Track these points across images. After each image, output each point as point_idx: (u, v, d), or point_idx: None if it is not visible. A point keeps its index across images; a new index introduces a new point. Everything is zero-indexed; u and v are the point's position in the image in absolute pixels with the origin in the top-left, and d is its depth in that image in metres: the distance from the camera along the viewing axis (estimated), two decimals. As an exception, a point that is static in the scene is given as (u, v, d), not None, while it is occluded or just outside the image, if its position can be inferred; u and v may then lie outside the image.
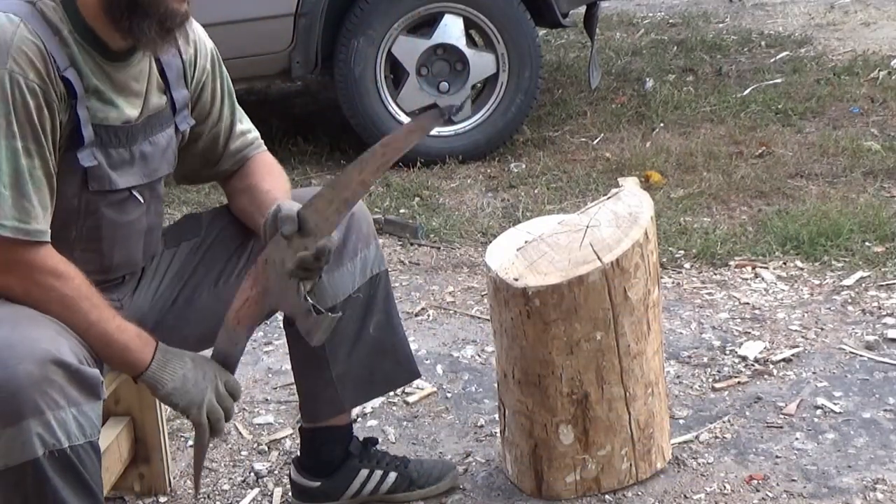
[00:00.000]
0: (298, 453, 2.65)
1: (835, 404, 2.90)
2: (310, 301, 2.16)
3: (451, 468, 2.67)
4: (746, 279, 3.70)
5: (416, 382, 3.14)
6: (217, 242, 2.42)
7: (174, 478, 2.76)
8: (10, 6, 2.00)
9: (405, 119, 5.03)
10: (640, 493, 2.58)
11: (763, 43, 6.84)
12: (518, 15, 5.02)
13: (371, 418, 3.00)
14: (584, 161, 4.93)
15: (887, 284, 3.57)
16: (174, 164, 2.30)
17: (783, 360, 3.15)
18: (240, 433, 2.98)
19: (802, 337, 3.28)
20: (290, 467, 2.64)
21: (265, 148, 2.46)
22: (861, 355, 3.15)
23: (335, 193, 2.08)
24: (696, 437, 2.79)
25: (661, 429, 2.62)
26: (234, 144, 2.40)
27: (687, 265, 3.84)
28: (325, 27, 4.88)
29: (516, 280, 2.45)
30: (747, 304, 3.51)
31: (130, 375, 2.14)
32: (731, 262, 3.82)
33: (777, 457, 2.69)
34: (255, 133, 2.45)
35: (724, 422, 2.85)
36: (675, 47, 6.80)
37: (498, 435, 2.75)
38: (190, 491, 2.73)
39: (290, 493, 2.65)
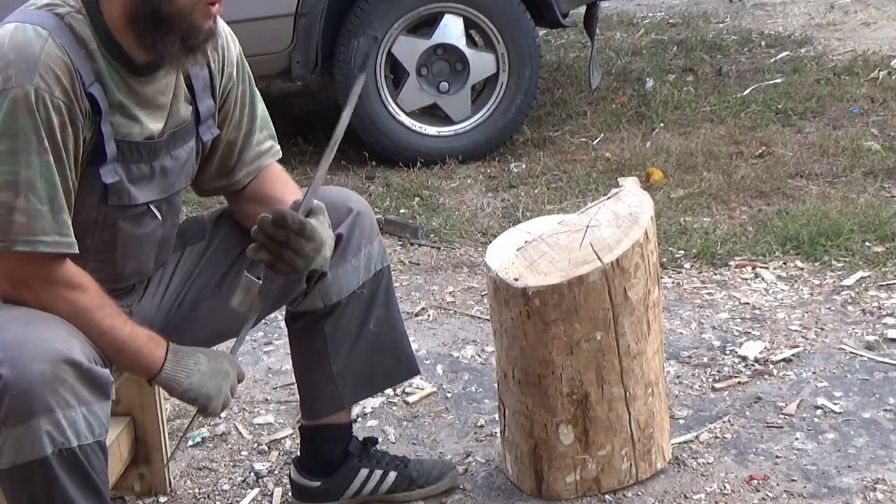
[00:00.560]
0: (298, 453, 2.65)
1: (835, 404, 2.90)
2: (245, 272, 2.18)
3: (450, 468, 2.67)
4: (746, 279, 3.70)
5: (416, 382, 3.15)
6: (220, 246, 2.41)
7: (174, 478, 2.76)
8: (39, 19, 2.00)
9: (405, 119, 5.03)
10: (640, 493, 2.58)
11: (763, 43, 6.84)
12: (518, 15, 5.02)
13: (371, 418, 3.00)
14: (584, 161, 4.93)
15: (887, 284, 3.57)
16: (192, 176, 2.29)
17: (783, 360, 3.15)
18: (240, 433, 2.98)
19: (802, 337, 3.28)
20: (290, 467, 2.65)
21: (279, 157, 2.41)
22: (861, 355, 3.15)
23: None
24: (696, 437, 2.79)
25: (661, 429, 2.62)
26: (250, 154, 2.35)
27: (687, 265, 3.84)
28: (325, 27, 4.88)
29: (516, 280, 2.45)
30: (747, 304, 3.51)
31: (145, 379, 2.16)
32: (731, 262, 3.82)
33: (777, 457, 2.69)
34: (271, 144, 2.39)
35: (724, 422, 2.85)
36: (675, 47, 6.80)
37: (498, 435, 2.75)
38: (190, 491, 2.73)
39: (290, 493, 2.66)
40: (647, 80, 6.01)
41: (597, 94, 5.79)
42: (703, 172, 4.64)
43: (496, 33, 5.01)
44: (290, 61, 4.90)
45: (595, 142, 5.18)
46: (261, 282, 2.18)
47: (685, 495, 2.57)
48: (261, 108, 2.37)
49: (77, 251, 2.03)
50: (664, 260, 3.83)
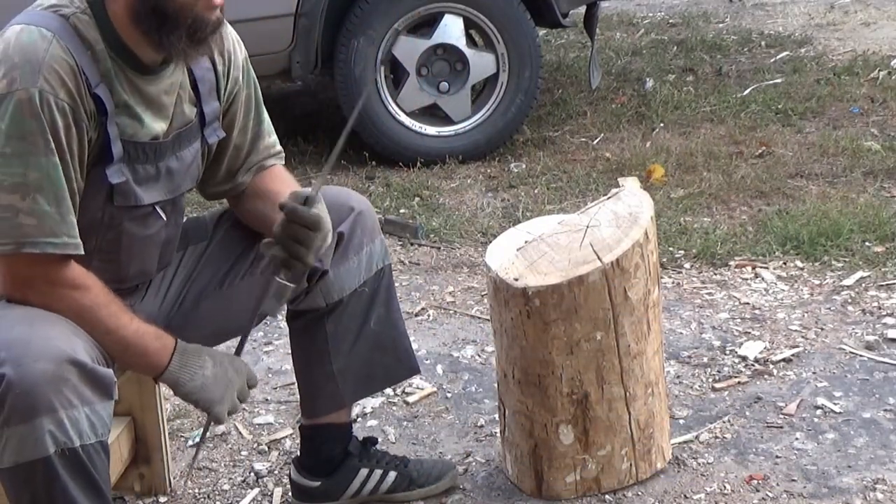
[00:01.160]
0: (298, 453, 2.65)
1: (835, 404, 2.90)
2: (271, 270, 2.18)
3: (450, 467, 2.67)
4: (746, 279, 3.70)
5: (416, 382, 3.15)
6: (221, 245, 2.42)
7: (174, 478, 2.76)
8: (45, 20, 2.00)
9: (405, 119, 5.03)
10: (640, 493, 2.58)
11: (763, 43, 6.84)
12: (518, 15, 5.02)
13: (371, 418, 3.00)
14: (584, 161, 4.93)
15: (887, 284, 3.57)
16: (198, 178, 2.30)
17: (783, 360, 3.15)
18: (240, 433, 2.98)
19: (802, 337, 3.28)
20: (290, 467, 2.65)
21: (283, 162, 2.43)
22: (861, 355, 3.15)
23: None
24: (696, 437, 2.79)
25: (661, 429, 2.62)
26: (255, 157, 2.37)
27: (687, 265, 3.84)
28: (325, 27, 4.88)
29: (516, 280, 2.45)
30: (747, 304, 3.51)
31: (150, 377, 2.16)
32: (731, 262, 3.82)
33: (777, 457, 2.69)
34: (279, 149, 2.42)
35: (724, 422, 2.86)
36: (675, 47, 6.80)
37: (498, 435, 2.75)
38: (190, 491, 2.73)
39: (290, 493, 2.66)
40: (647, 80, 6.01)
41: (597, 94, 5.79)
42: (703, 172, 4.64)
43: (496, 33, 5.01)
44: (290, 61, 4.90)
45: (595, 142, 5.18)
46: (293, 285, 2.19)
47: (685, 495, 2.57)
48: (265, 112, 2.39)
49: (83, 252, 2.03)
50: (664, 260, 3.83)
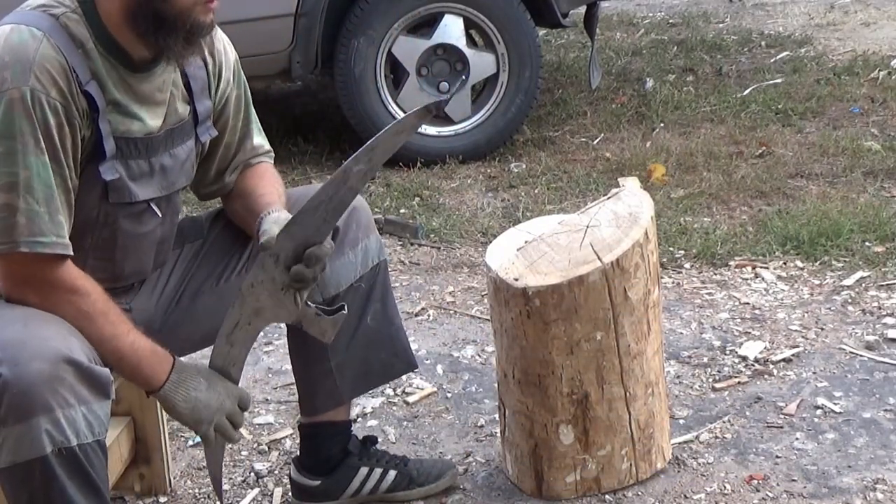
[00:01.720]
0: (298, 453, 2.65)
1: (835, 404, 2.90)
2: (312, 306, 2.17)
3: (450, 466, 2.67)
4: (746, 279, 3.70)
5: (416, 382, 3.15)
6: (217, 242, 2.43)
7: (174, 478, 2.76)
8: (34, 20, 2.00)
9: (405, 119, 5.02)
10: (640, 493, 2.58)
11: (763, 43, 6.84)
12: (518, 15, 5.02)
13: (371, 418, 3.00)
14: (584, 161, 4.93)
15: (887, 284, 3.57)
16: (192, 176, 2.31)
17: (783, 360, 3.15)
18: (240, 433, 2.98)
19: (802, 337, 3.28)
20: (290, 467, 2.65)
21: (271, 160, 2.45)
22: (861, 355, 3.15)
23: (320, 203, 2.09)
24: (696, 437, 2.79)
25: (661, 429, 2.62)
26: (243, 157, 2.39)
27: (687, 265, 3.84)
28: (325, 27, 4.88)
29: (516, 280, 2.45)
30: (747, 304, 3.52)
31: (143, 389, 2.17)
32: (731, 262, 3.82)
33: (777, 457, 2.69)
34: (267, 148, 2.44)
35: (724, 422, 2.85)
36: (675, 47, 6.79)
37: (498, 435, 2.75)
38: (190, 491, 2.73)
39: (290, 494, 2.66)
40: (647, 80, 6.01)
41: (597, 94, 5.79)
42: (703, 172, 4.64)
43: (496, 33, 5.01)
44: (290, 61, 4.90)
45: (595, 142, 5.18)
46: (345, 309, 2.22)
47: (685, 495, 2.57)
48: (254, 113, 2.41)
49: (72, 253, 2.03)
50: (664, 260, 3.83)
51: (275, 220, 2.17)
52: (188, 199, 4.65)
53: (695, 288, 3.67)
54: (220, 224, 2.45)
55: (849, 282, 3.61)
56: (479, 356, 3.32)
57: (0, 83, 1.94)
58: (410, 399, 3.09)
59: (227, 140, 2.35)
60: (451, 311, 3.63)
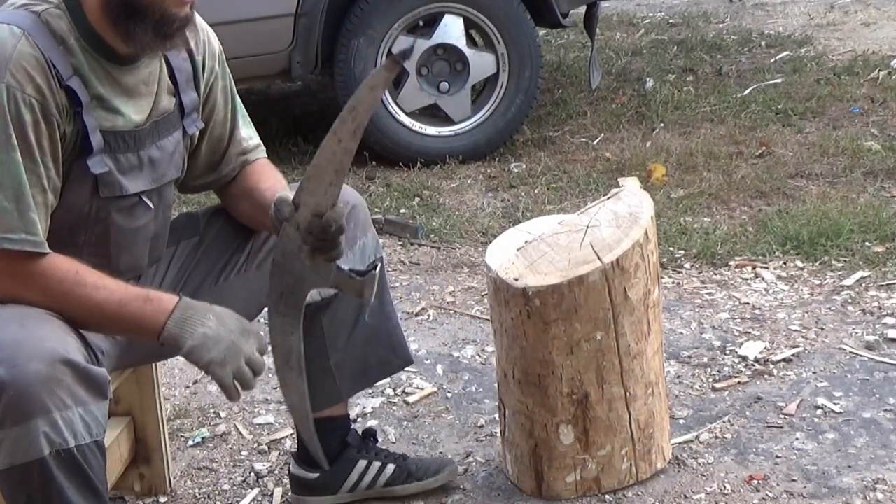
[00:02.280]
0: (296, 448, 2.66)
1: (835, 404, 2.90)
2: (346, 268, 2.15)
3: (449, 462, 2.68)
4: (746, 279, 3.70)
5: (416, 382, 3.15)
6: (215, 241, 2.42)
7: (174, 478, 2.76)
8: (15, 17, 2.01)
9: (405, 119, 5.03)
10: (640, 493, 2.58)
11: (763, 43, 6.84)
12: (518, 15, 5.02)
13: (371, 418, 3.00)
14: (584, 161, 4.93)
15: (887, 284, 3.57)
16: (182, 168, 2.30)
17: (783, 360, 3.15)
18: (240, 433, 2.98)
19: (802, 337, 3.28)
20: (290, 462, 2.65)
21: (265, 155, 2.45)
22: (861, 355, 3.15)
23: (322, 168, 2.07)
24: (696, 437, 2.79)
25: (661, 429, 2.62)
26: (236, 149, 2.39)
27: (687, 265, 3.84)
28: (325, 27, 4.88)
29: (516, 280, 2.45)
30: (747, 304, 3.52)
31: (156, 341, 2.07)
32: (732, 262, 3.82)
33: (777, 457, 2.69)
34: (257, 140, 2.44)
35: (724, 422, 2.86)
36: (675, 47, 6.80)
37: (498, 435, 2.75)
38: (190, 491, 2.73)
39: (290, 494, 2.66)
40: (647, 80, 6.01)
41: (597, 94, 5.79)
42: (703, 172, 4.64)
43: (496, 33, 5.01)
44: (290, 61, 4.90)
45: (595, 142, 5.18)
46: (378, 266, 2.21)
47: (685, 495, 2.57)
48: (241, 105, 2.41)
49: (45, 250, 2.01)
50: (664, 260, 3.83)
51: (284, 196, 2.15)
52: (188, 198, 4.65)
53: (695, 288, 3.67)
54: (218, 222, 2.44)
55: (849, 282, 3.61)
56: (479, 356, 3.32)
57: None
58: (410, 399, 3.09)
59: (218, 132, 2.35)
60: (451, 311, 3.63)
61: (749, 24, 7.40)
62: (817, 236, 3.88)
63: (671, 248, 3.94)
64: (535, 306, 2.43)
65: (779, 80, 5.89)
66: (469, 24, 5.04)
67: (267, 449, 2.90)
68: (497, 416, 2.75)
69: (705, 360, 3.19)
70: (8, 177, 1.96)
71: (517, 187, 4.70)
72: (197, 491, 2.74)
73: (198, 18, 2.25)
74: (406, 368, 3.19)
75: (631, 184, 2.76)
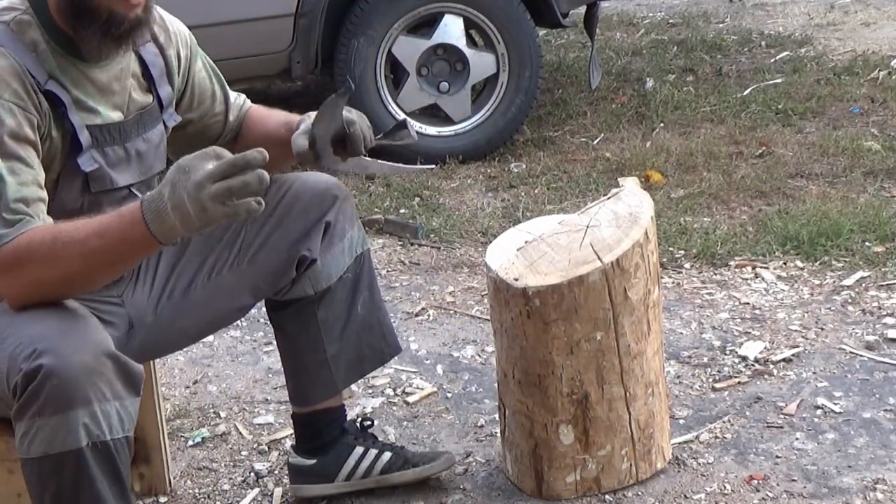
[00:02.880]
0: (294, 441, 2.66)
1: (835, 404, 2.90)
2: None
3: (445, 451, 2.68)
4: (746, 279, 3.70)
5: (416, 382, 3.16)
6: (206, 235, 2.42)
7: (174, 478, 2.76)
8: None
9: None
10: (640, 493, 2.58)
11: (763, 43, 6.84)
12: (518, 15, 5.02)
13: (371, 418, 2.99)
14: (584, 161, 4.93)
15: (887, 284, 3.57)
16: (165, 161, 2.32)
17: (783, 360, 3.15)
18: (240, 433, 2.98)
19: (802, 337, 3.28)
20: (288, 455, 2.66)
21: (250, 101, 2.56)
22: (861, 355, 3.15)
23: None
24: (696, 437, 2.79)
25: (661, 429, 2.62)
26: (235, 115, 2.49)
27: (687, 265, 3.84)
28: (325, 27, 4.88)
29: (516, 280, 2.45)
30: (747, 304, 3.51)
31: (153, 242, 1.95)
32: (731, 262, 3.82)
33: (777, 457, 2.69)
34: (243, 96, 2.54)
35: (724, 422, 2.85)
36: (675, 47, 6.79)
37: (498, 435, 2.75)
38: (190, 491, 2.73)
39: (290, 494, 2.66)
40: (647, 80, 6.00)
41: (597, 94, 5.79)
42: (703, 172, 4.64)
43: (496, 33, 5.01)
44: (290, 61, 4.90)
45: (595, 142, 5.18)
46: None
47: (685, 495, 2.57)
48: (221, 75, 2.48)
49: (21, 231, 1.96)
50: (664, 260, 3.83)
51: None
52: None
53: (695, 288, 3.67)
54: None
55: (849, 282, 3.61)
56: (479, 356, 3.32)
57: None
58: (410, 399, 3.09)
59: (212, 111, 2.43)
60: (451, 311, 3.63)
61: (749, 24, 7.40)
62: (817, 236, 3.88)
63: (671, 248, 3.94)
64: (535, 306, 2.43)
65: (779, 80, 5.89)
66: (469, 24, 5.04)
67: (267, 449, 2.90)
68: (497, 416, 2.75)
69: (705, 360, 3.19)
70: None
71: (517, 187, 4.70)
72: (197, 491, 2.74)
73: (162, 13, 2.28)
74: (406, 369, 3.22)
75: (631, 184, 2.76)
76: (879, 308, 3.42)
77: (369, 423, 2.68)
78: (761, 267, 3.77)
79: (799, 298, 3.53)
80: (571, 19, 5.42)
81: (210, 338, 3.23)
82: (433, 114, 5.10)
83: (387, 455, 2.61)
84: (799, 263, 3.78)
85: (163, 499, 2.70)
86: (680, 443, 2.77)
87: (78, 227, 1.96)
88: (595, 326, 2.45)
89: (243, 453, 2.89)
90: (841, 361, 3.12)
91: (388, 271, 3.96)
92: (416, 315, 3.62)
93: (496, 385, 2.69)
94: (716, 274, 3.76)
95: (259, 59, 4.89)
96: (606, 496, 2.57)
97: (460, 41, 5.01)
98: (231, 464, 2.85)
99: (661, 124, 5.32)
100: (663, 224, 4.07)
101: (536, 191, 4.63)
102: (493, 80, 5.09)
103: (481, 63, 5.05)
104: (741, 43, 6.85)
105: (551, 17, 5.15)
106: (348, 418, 2.66)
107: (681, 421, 2.87)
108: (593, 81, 5.36)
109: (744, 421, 2.86)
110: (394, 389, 3.14)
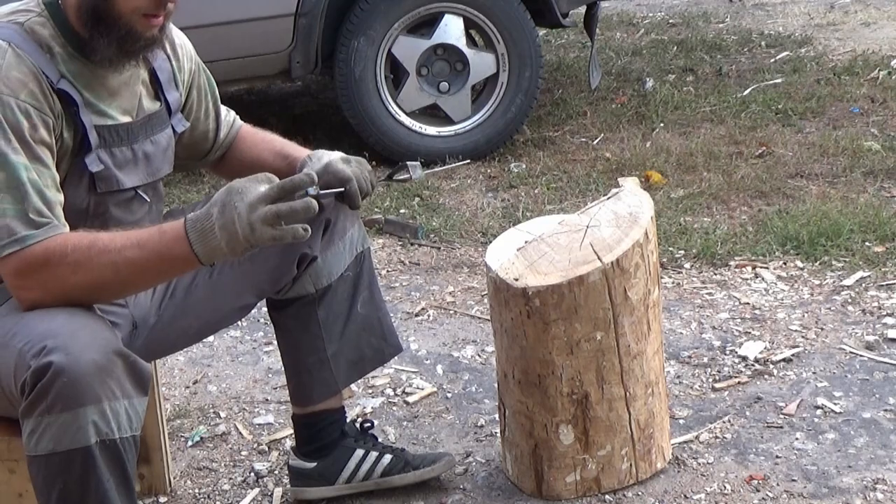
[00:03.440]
0: (294, 443, 2.66)
1: (835, 404, 2.90)
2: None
3: (446, 454, 2.68)
4: (746, 279, 3.70)
5: (416, 382, 3.15)
6: None
7: (174, 478, 2.76)
8: (0, 31, 2.04)
9: (405, 119, 5.03)
10: (640, 493, 2.58)
11: (763, 43, 6.84)
12: (518, 15, 5.02)
13: (371, 418, 3.00)
14: (584, 161, 4.93)
15: (887, 284, 3.57)
16: (173, 164, 2.34)
17: (783, 360, 3.15)
18: (240, 433, 2.98)
19: (802, 337, 3.28)
20: (288, 456, 2.66)
21: (241, 121, 2.55)
22: (861, 355, 3.15)
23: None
24: (696, 437, 2.79)
25: (661, 429, 2.62)
26: (225, 132, 2.48)
27: (687, 265, 3.84)
28: (325, 27, 4.88)
29: (516, 280, 2.45)
30: (747, 304, 3.51)
31: (193, 268, 2.02)
32: (731, 262, 3.82)
33: (777, 457, 2.69)
34: (233, 113, 2.53)
35: (724, 422, 2.86)
36: (675, 47, 6.79)
37: (498, 435, 2.75)
38: (190, 491, 2.73)
39: (290, 494, 2.66)
40: (647, 80, 6.01)
41: (597, 94, 5.79)
42: (703, 172, 4.64)
43: (496, 33, 5.01)
44: (290, 61, 4.90)
45: (595, 142, 5.18)
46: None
47: (685, 495, 2.57)
48: (215, 87, 2.48)
49: (54, 234, 1.97)
50: (664, 260, 3.83)
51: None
52: (189, 199, 4.65)
53: (695, 288, 3.67)
54: None
55: (849, 282, 3.61)
56: (479, 356, 3.32)
57: None
58: (410, 399, 3.09)
59: (203, 126, 2.42)
60: (451, 311, 3.63)
61: (749, 24, 7.40)
62: (817, 236, 3.88)
63: (671, 248, 3.94)
64: (535, 306, 2.43)
65: (779, 80, 5.89)
66: (469, 24, 5.04)
67: (267, 449, 2.90)
68: (497, 416, 2.75)
69: (705, 360, 3.19)
70: (8, 182, 1.96)
71: (517, 187, 4.70)
72: (197, 491, 2.74)
73: (170, 27, 2.28)
74: (406, 369, 3.22)
75: (631, 184, 2.76)
76: (879, 308, 3.42)
77: (369, 424, 2.68)
78: (761, 267, 3.77)
79: (799, 298, 3.53)
80: (571, 19, 5.42)
81: (210, 338, 3.23)
82: (433, 114, 5.11)
83: (387, 458, 2.61)
84: (799, 263, 3.78)
85: (163, 499, 2.70)
86: (680, 443, 2.77)
87: (115, 237, 1.99)
88: (595, 326, 2.45)
89: (243, 453, 2.89)
90: (841, 361, 3.12)
91: (388, 271, 3.96)
92: (416, 315, 3.62)
93: (496, 385, 2.69)
94: (716, 274, 3.76)
95: (259, 59, 4.89)
96: (606, 496, 2.57)
97: (460, 41, 5.01)
98: (231, 464, 2.85)
99: (661, 124, 5.33)
100: (663, 224, 4.08)
101: (536, 191, 4.63)
102: (493, 80, 5.09)
103: (481, 63, 5.05)
104: (741, 43, 6.85)
105: (551, 17, 5.16)
106: (348, 419, 2.66)
107: (681, 421, 2.87)
108: (593, 81, 5.36)
109: (744, 421, 2.86)
110: (394, 389, 3.14)
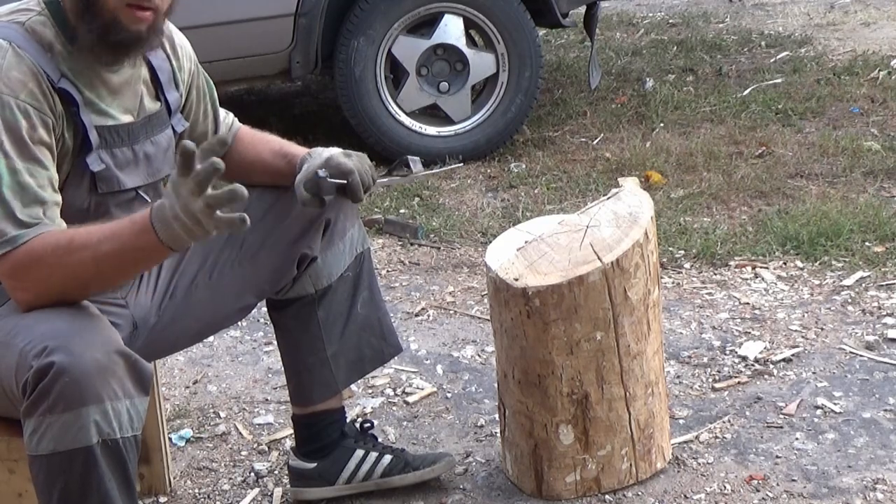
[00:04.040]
0: (294, 443, 2.66)
1: (835, 404, 2.90)
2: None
3: (446, 454, 2.68)
4: (746, 279, 3.70)
5: (416, 382, 3.15)
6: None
7: (174, 478, 2.76)
8: (1, 30, 2.04)
9: (405, 119, 5.03)
10: (640, 493, 2.58)
11: (763, 43, 6.84)
12: (518, 15, 5.02)
13: (371, 418, 3.00)
14: (584, 161, 4.93)
15: (887, 284, 3.57)
16: (173, 165, 2.32)
17: (783, 360, 3.15)
18: (240, 433, 2.98)
19: (802, 337, 3.28)
20: (288, 456, 2.66)
21: (239, 122, 2.53)
22: (861, 355, 3.15)
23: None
24: (696, 437, 2.79)
25: (661, 429, 2.62)
26: (223, 133, 2.45)
27: (687, 265, 3.84)
28: (325, 27, 4.89)
29: (516, 280, 2.45)
30: (747, 304, 3.51)
31: (167, 255, 2.00)
32: (731, 262, 3.82)
33: (777, 457, 2.69)
34: (231, 114, 2.52)
35: (724, 422, 2.86)
36: (675, 47, 6.80)
37: (498, 435, 2.75)
38: (190, 491, 2.73)
39: (290, 494, 2.66)
40: (647, 80, 6.01)
41: (597, 94, 5.79)
42: (703, 172, 4.64)
43: (496, 33, 5.01)
44: (290, 61, 4.90)
45: (595, 142, 5.18)
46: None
47: (685, 495, 2.57)
48: (214, 89, 2.48)
49: (35, 234, 1.97)
50: (664, 260, 3.83)
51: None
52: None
53: (695, 288, 3.67)
54: None
55: (849, 282, 3.61)
56: (479, 356, 3.32)
57: None
58: (410, 399, 3.09)
59: (201, 128, 2.41)
60: (451, 311, 3.63)
61: (749, 24, 7.40)
62: (817, 236, 3.88)
63: (671, 248, 3.94)
64: (535, 306, 2.43)
65: (779, 80, 5.89)
66: (469, 24, 5.04)
67: (267, 449, 2.90)
68: (497, 416, 2.75)
69: (705, 360, 3.19)
70: (3, 183, 1.96)
71: (517, 187, 4.70)
72: (197, 491, 2.74)
73: (170, 27, 2.29)
74: (406, 369, 3.22)
75: (631, 184, 2.76)
76: (879, 308, 3.42)
77: (369, 424, 2.68)
78: (761, 267, 3.77)
79: (799, 298, 3.53)
80: (571, 19, 5.42)
81: (210, 338, 3.22)
82: (433, 114, 5.11)
83: (387, 458, 2.61)
84: (799, 263, 3.78)
85: (163, 499, 2.70)
86: (680, 443, 2.77)
87: (91, 231, 1.98)
88: (595, 326, 2.45)
89: (243, 453, 2.89)
90: (841, 361, 3.12)
91: (388, 271, 3.96)
92: (416, 315, 3.62)
93: (496, 385, 2.69)
94: (716, 274, 3.76)
95: (259, 59, 4.89)
96: (606, 496, 2.57)
97: (460, 41, 5.01)
98: (231, 464, 2.85)
99: (661, 124, 5.33)
100: (663, 224, 4.08)
101: (536, 191, 4.63)
102: (493, 80, 5.09)
103: (481, 63, 5.05)
104: (741, 43, 6.85)
105: (551, 17, 5.16)
106: (348, 419, 2.67)
107: (681, 421, 2.87)
108: (593, 81, 5.37)
109: (744, 421, 2.86)
110: (394, 389, 3.14)
